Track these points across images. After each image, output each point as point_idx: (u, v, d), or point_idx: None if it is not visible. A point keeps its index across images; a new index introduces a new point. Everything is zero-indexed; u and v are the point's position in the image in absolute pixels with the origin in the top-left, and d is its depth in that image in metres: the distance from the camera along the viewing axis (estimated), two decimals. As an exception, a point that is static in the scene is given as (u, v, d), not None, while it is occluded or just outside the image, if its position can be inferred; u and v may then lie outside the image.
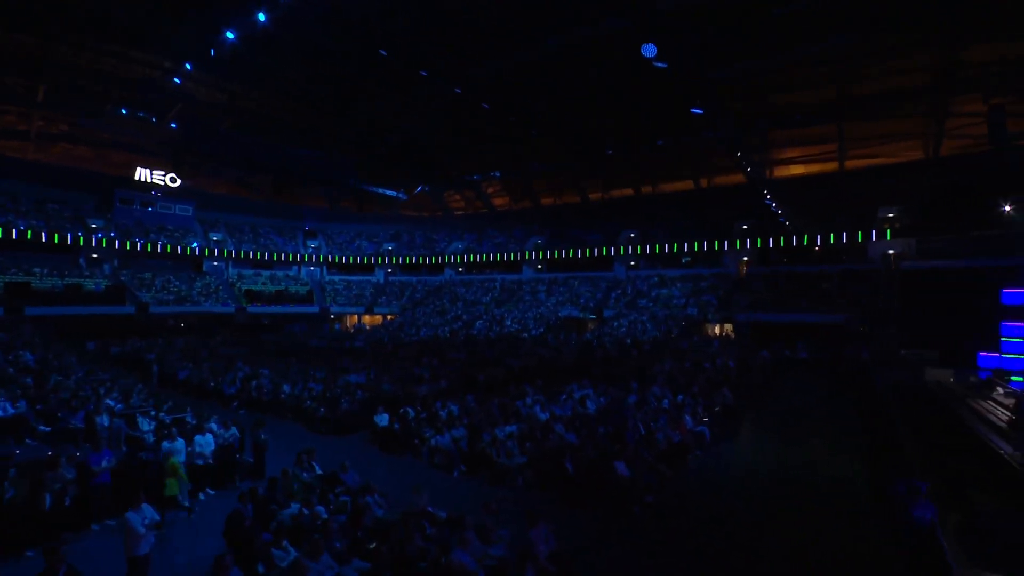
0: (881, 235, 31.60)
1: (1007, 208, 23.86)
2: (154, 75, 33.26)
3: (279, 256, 51.89)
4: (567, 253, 47.33)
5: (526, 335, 38.71)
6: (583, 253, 46.22)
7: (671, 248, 41.34)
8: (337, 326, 51.83)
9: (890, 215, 32.37)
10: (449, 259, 55.18)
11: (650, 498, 9.15)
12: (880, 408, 13.27)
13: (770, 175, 38.88)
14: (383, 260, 56.34)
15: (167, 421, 11.82)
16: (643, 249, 42.92)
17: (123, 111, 34.78)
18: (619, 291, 42.89)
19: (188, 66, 26.93)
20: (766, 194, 30.16)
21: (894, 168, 33.78)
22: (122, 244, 42.43)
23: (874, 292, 29.65)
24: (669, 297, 39.39)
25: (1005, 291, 20.18)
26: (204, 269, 48.41)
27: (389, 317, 51.64)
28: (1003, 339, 20.00)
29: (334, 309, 51.54)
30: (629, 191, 48.08)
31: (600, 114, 34.81)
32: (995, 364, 19.07)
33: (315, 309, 50.04)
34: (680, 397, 15.03)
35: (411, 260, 56.08)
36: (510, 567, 6.20)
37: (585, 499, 9.22)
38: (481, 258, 53.27)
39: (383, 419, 13.29)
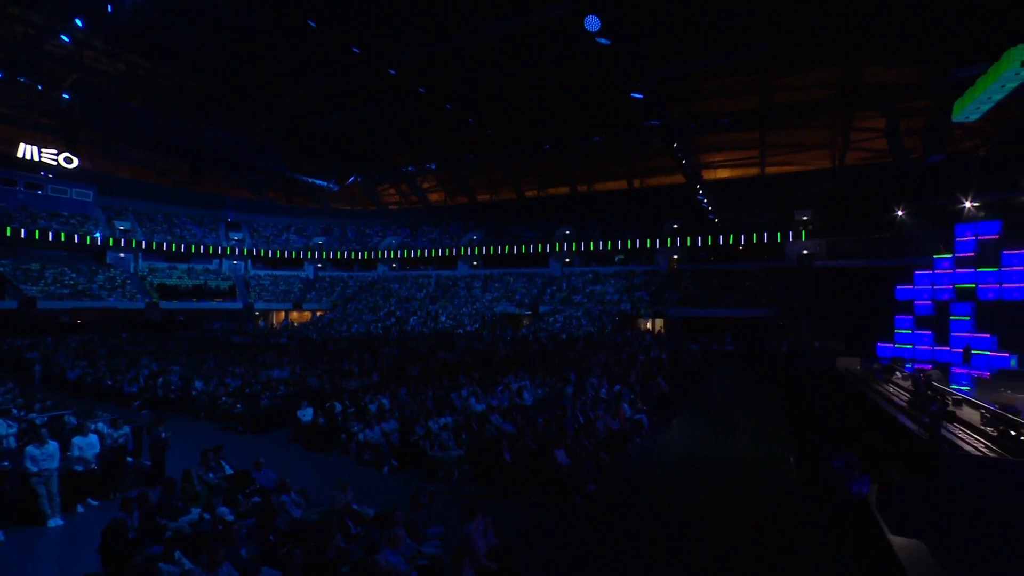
0: (797, 236, 33.64)
1: (900, 213, 25.96)
2: (38, 35, 28.72)
3: (198, 248, 47.81)
4: (503, 249, 47.07)
5: (461, 331, 38.10)
6: (519, 250, 46.13)
7: (605, 246, 42.03)
8: (263, 323, 48.65)
9: (804, 218, 34.54)
10: (382, 254, 53.35)
11: (592, 486, 8.77)
12: (802, 392, 13.76)
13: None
14: (313, 254, 53.56)
15: (38, 423, 10.05)
16: (578, 246, 43.41)
17: (-1, 75, 29.56)
18: (554, 287, 43.11)
19: (79, 23, 23.33)
20: (699, 193, 31.17)
21: (807, 175, 36.14)
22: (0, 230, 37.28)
23: (791, 289, 31.48)
24: (603, 293, 40.02)
25: (898, 288, 21.87)
26: (108, 261, 43.72)
27: (319, 313, 49.15)
28: (896, 331, 21.65)
29: (259, 305, 48.32)
30: (565, 189, 48.49)
31: (538, 107, 34.53)
32: (891, 353, 20.49)
33: (238, 305, 46.65)
34: (617, 387, 14.94)
35: (343, 255, 53.71)
36: (445, 566, 5.54)
37: (525, 490, 8.70)
38: (416, 253, 51.90)
39: (307, 414, 12.17)
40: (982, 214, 21.70)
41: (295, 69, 31.27)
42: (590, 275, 43.29)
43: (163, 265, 46.62)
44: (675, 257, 40.21)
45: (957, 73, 19.76)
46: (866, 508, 6.20)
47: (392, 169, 47.84)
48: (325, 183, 49.36)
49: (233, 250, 50.24)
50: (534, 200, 50.03)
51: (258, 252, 51.30)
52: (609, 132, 35.02)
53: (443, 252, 50.51)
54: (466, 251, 49.46)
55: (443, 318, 43.01)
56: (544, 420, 11.15)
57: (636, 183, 44.78)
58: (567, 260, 45.58)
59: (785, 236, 33.71)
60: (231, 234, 51.80)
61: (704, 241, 36.97)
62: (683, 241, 38.18)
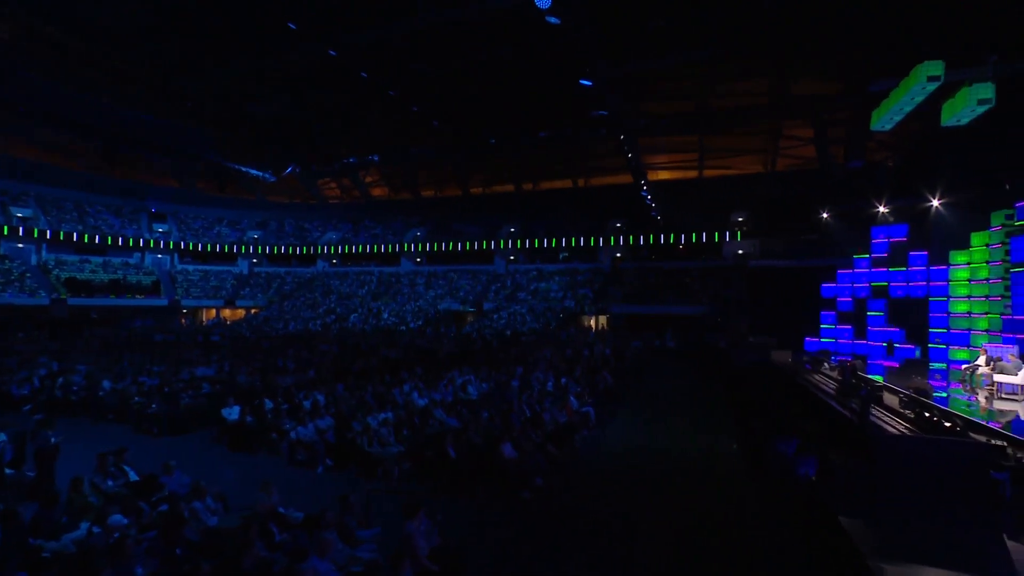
0: (733, 237, 35.14)
1: (825, 216, 27.58)
2: None
3: (115, 240, 43.75)
4: (447, 246, 46.37)
5: (404, 328, 37.15)
6: (464, 247, 45.59)
7: (550, 243, 42.28)
8: (190, 321, 45.33)
9: (740, 219, 36.09)
10: (322, 250, 51.22)
11: (539, 480, 8.43)
12: (742, 384, 14.09)
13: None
14: (247, 249, 50.56)
15: None
16: (523, 244, 43.40)
17: None
18: (499, 285, 42.86)
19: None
20: (644, 188, 31.80)
21: (742, 179, 37.78)
22: None
23: (728, 287, 32.77)
24: (548, 291, 40.17)
25: (823, 286, 23.17)
26: (3, 252, 39.23)
27: (254, 311, 46.42)
28: (822, 326, 22.93)
29: (187, 302, 45.03)
30: (510, 187, 48.31)
31: (485, 100, 33.81)
32: (817, 347, 21.62)
33: (163, 302, 43.24)
34: (564, 380, 14.76)
35: (280, 250, 51.09)
36: (383, 570, 4.99)
37: (470, 486, 8.23)
38: (357, 249, 50.25)
39: (233, 412, 11.12)
40: (892, 218, 23.29)
41: (226, 48, 29.00)
42: (535, 273, 43.34)
43: (73, 258, 42.35)
44: (618, 255, 40.95)
45: (873, 87, 21.09)
46: (813, 489, 6.21)
47: (333, 160, 45.75)
48: (260, 173, 46.53)
49: (157, 243, 46.48)
50: (479, 197, 49.54)
51: (186, 245, 47.81)
52: (556, 128, 35.03)
53: (386, 248, 49.21)
54: (410, 247, 48.38)
55: (385, 315, 41.83)
56: (490, 414, 10.73)
57: (581, 182, 45.27)
58: (512, 257, 45.43)
59: (722, 236, 35.12)
60: (155, 225, 47.91)
61: (646, 240, 37.90)
62: (626, 240, 38.97)
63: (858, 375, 12.44)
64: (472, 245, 45.44)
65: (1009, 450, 7.86)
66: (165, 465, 7.18)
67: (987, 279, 18.99)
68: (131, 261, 45.73)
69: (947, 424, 8.66)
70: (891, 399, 10.75)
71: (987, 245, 19.12)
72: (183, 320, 44.40)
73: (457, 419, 10.59)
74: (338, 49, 24.66)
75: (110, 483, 6.56)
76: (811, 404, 12.24)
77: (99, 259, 43.48)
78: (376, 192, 54.81)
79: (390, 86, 29.46)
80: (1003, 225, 18.67)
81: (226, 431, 10.98)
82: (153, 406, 12.14)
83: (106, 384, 14.09)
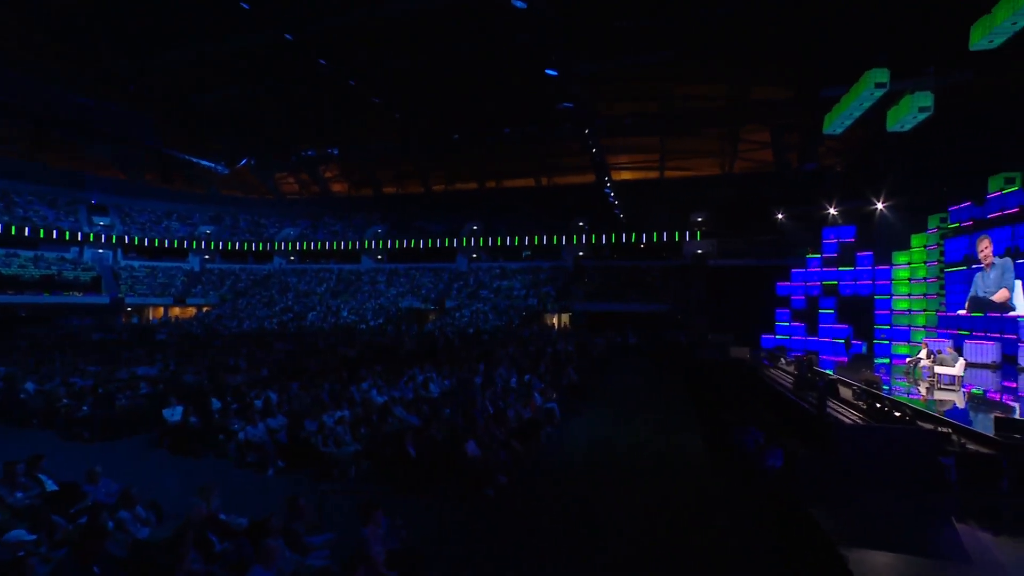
0: (693, 236, 35.97)
1: (781, 217, 28.52)
2: None
3: (49, 233, 40.66)
4: (409, 243, 45.62)
5: (364, 326, 36.28)
6: (426, 244, 44.94)
7: (513, 241, 42.17)
8: (135, 319, 42.76)
9: (699, 219, 36.95)
10: (279, 246, 49.46)
11: (503, 478, 8.14)
12: (704, 380, 14.23)
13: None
14: (199, 244, 48.20)
15: None
16: (486, 242, 43.13)
17: None
18: (461, 282, 42.47)
19: None
20: (607, 186, 32.03)
21: (701, 180, 38.67)
22: None
23: (688, 285, 33.45)
24: (510, 288, 40.04)
25: (778, 284, 23.88)
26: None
27: (205, 309, 44.28)
28: (777, 323, 23.64)
29: (132, 300, 42.49)
30: (473, 185, 47.90)
31: (448, 94, 33.16)
32: (773, 343, 22.24)
33: (104, 300, 40.64)
34: (527, 377, 14.55)
35: (234, 246, 49.03)
36: (335, 579, 4.60)
37: (432, 485, 7.86)
38: (316, 246, 48.75)
39: (175, 413, 10.33)
40: (841, 220, 24.21)
41: (171, 28, 27.06)
42: (497, 270, 43.13)
43: (-3, 252, 39.13)
44: (580, 254, 41.22)
45: (825, 92, 21.86)
46: (780, 480, 6.19)
47: (290, 153, 43.94)
48: (212, 165, 44.13)
49: (98, 237, 43.67)
50: (442, 194, 48.93)
51: (131, 240, 45.10)
52: (520, 125, 34.78)
53: (346, 245, 47.99)
54: (370, 244, 47.34)
55: (345, 313, 40.79)
56: (452, 411, 10.38)
57: (544, 181, 45.32)
58: (474, 255, 45.07)
59: (682, 236, 35.91)
60: (95, 218, 44.95)
61: (608, 239, 38.31)
62: (588, 239, 39.25)
63: (813, 369, 12.75)
64: (434, 242, 44.93)
65: (954, 437, 8.13)
66: (90, 472, 6.46)
67: (925, 278, 19.98)
68: (68, 256, 42.70)
69: (897, 414, 8.93)
70: (845, 392, 11.08)
71: (925, 246, 20.13)
72: (128, 319, 41.85)
73: (418, 417, 10.18)
74: (294, 34, 23.49)
75: (19, 495, 5.82)
76: (770, 397, 12.48)
77: (29, 253, 40.28)
78: (336, 188, 53.34)
79: (350, 75, 28.31)
80: (938, 227, 19.69)
81: (167, 433, 10.19)
82: (84, 408, 11.15)
83: (30, 386, 12.87)
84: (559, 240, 40.53)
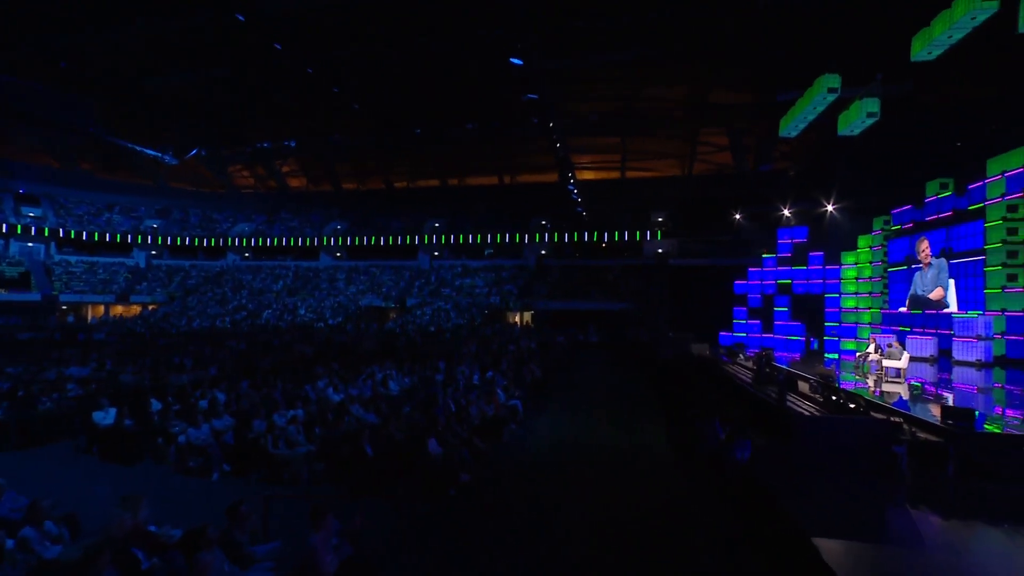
0: (653, 236, 36.57)
1: (738, 217, 29.31)
2: None
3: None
4: (370, 240, 44.51)
5: (322, 325, 35.13)
6: (387, 241, 43.97)
7: (475, 239, 41.79)
8: (71, 318, 39.94)
9: (660, 219, 37.58)
10: (233, 242, 47.29)
11: (466, 477, 7.78)
12: (668, 376, 14.27)
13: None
14: (145, 239, 45.53)
15: None
16: (448, 239, 42.58)
17: None
18: (423, 280, 41.79)
19: None
20: (571, 182, 32.03)
21: (661, 181, 39.34)
22: None
23: (649, 284, 33.94)
24: (472, 287, 39.68)
25: (736, 283, 24.47)
26: None
27: (151, 307, 41.82)
28: (735, 321, 24.21)
29: (67, 297, 39.68)
30: (435, 182, 47.21)
31: (410, 85, 32.17)
32: (731, 340, 22.75)
33: (35, 296, 37.75)
34: (490, 373, 14.22)
35: (184, 241, 46.54)
36: (280, 593, 4.15)
37: (390, 486, 7.42)
38: (272, 242, 46.88)
39: (108, 416, 9.45)
40: (793, 221, 25.04)
41: (114, 3, 24.93)
42: (459, 268, 42.65)
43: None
44: (543, 252, 41.25)
45: (781, 96, 22.51)
46: (749, 472, 6.12)
47: (244, 144, 41.89)
48: (159, 154, 41.34)
49: (27, 229, 40.51)
50: (403, 191, 48.03)
51: (66, 233, 42.09)
52: (484, 120, 34.31)
53: (304, 242, 46.40)
54: (329, 241, 45.96)
55: (302, 311, 39.44)
56: (412, 409, 9.94)
57: (507, 179, 45.10)
58: (436, 253, 44.42)
59: (643, 235, 36.45)
60: (24, 209, 41.72)
61: (570, 238, 38.49)
62: (550, 237, 39.33)
63: (772, 364, 12.97)
64: (396, 240, 44.05)
65: (905, 426, 8.35)
66: (-7, 485, 5.70)
67: (870, 277, 20.87)
68: (-9, 249, 39.52)
69: (852, 405, 9.13)
70: (802, 385, 11.31)
71: (870, 247, 21.04)
72: (63, 318, 39.04)
73: (376, 415, 9.69)
74: (247, 15, 22.12)
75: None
76: (732, 392, 12.62)
77: (-54, 246, 37.06)
78: (294, 183, 51.50)
79: (307, 63, 26.96)
80: (882, 229, 20.61)
81: (97, 439, 9.30)
82: None
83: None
84: (521, 238, 40.45)
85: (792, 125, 17.12)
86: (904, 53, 12.64)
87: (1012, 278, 15.05)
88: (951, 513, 6.20)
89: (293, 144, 40.62)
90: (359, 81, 30.43)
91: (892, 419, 8.49)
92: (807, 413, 9.36)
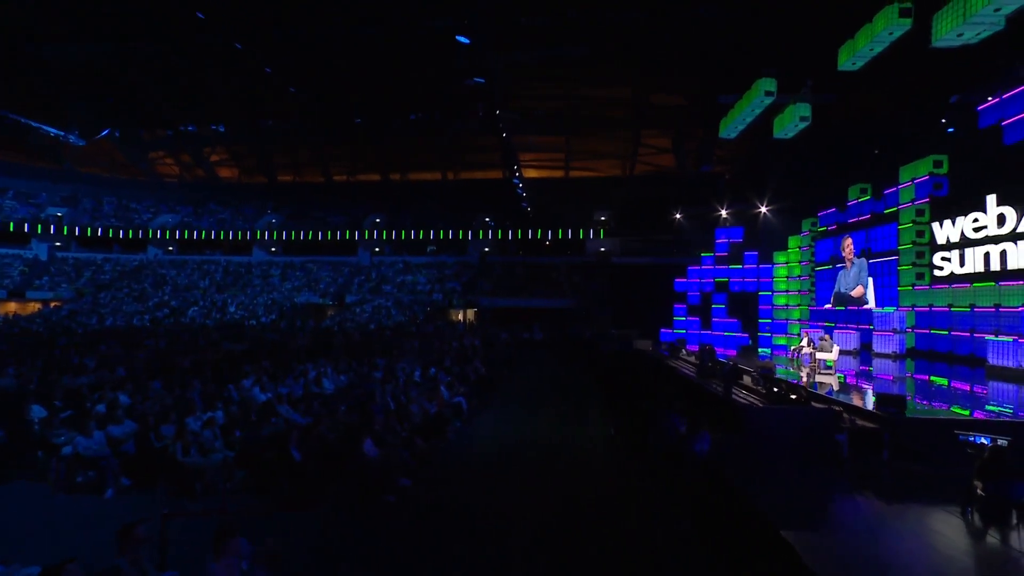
0: (596, 234, 36.94)
1: (679, 217, 30.07)
2: None
3: None
4: (307, 235, 42.37)
5: (254, 322, 32.91)
6: (325, 236, 41.97)
7: (418, 235, 40.74)
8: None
9: (602, 218, 38.04)
10: (155, 234, 43.51)
11: (406, 480, 7.07)
12: (615, 371, 14.09)
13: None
14: (47, 228, 40.91)
15: None
16: (389, 235, 41.23)
17: None
18: (363, 277, 40.24)
19: None
20: (516, 182, 31.62)
21: (604, 180, 39.82)
22: None
23: (591, 281, 34.22)
24: (415, 283, 38.66)
25: (676, 281, 24.95)
26: None
27: (53, 304, 37.62)
28: (675, 318, 24.68)
29: (-54, 292, 34.92)
30: (376, 176, 45.55)
31: (350, 71, 30.35)
32: (671, 337, 23.14)
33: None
34: (432, 370, 13.50)
35: (96, 231, 42.27)
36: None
37: (320, 494, 6.58)
38: (200, 235, 43.53)
39: (-25, 425, 7.93)
40: (730, 222, 25.88)
41: None
42: (401, 265, 41.41)
43: None
44: (486, 249, 40.75)
45: (721, 99, 23.14)
46: (711, 466, 5.86)
47: (164, 126, 37.98)
48: (61, 133, 36.57)
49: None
50: (343, 185, 46.06)
51: (-53, 221, 37.07)
52: (427, 111, 33.08)
53: (235, 235, 43.43)
54: (263, 235, 43.31)
55: (232, 309, 36.87)
56: (348, 408, 9.08)
57: (450, 175, 44.25)
58: (377, 249, 42.88)
59: (586, 234, 36.73)
60: None
61: (514, 235, 38.26)
62: (494, 234, 38.93)
63: (714, 359, 13.06)
64: (334, 235, 42.26)
65: (845, 415, 8.51)
66: None
67: (799, 276, 21.83)
68: None
69: (793, 396, 9.20)
70: (744, 377, 11.40)
71: (799, 247, 22.01)
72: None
73: (307, 415, 8.75)
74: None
75: None
76: (678, 385, 12.58)
77: None
78: (224, 173, 48.09)
79: (236, 37, 24.43)
80: (810, 230, 21.61)
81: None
82: None
83: None
84: (465, 235, 39.78)
85: (732, 126, 17.51)
86: (832, 63, 13.15)
87: (920, 276, 16.08)
88: (891, 497, 6.34)
89: (222, 129, 37.52)
90: (295, 62, 28.20)
91: (834, 408, 8.66)
92: (751, 404, 9.39)
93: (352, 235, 42.02)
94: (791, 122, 15.86)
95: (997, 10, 9.73)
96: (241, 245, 44.12)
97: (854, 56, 12.32)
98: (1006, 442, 5.54)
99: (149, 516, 4.80)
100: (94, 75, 31.54)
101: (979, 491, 5.33)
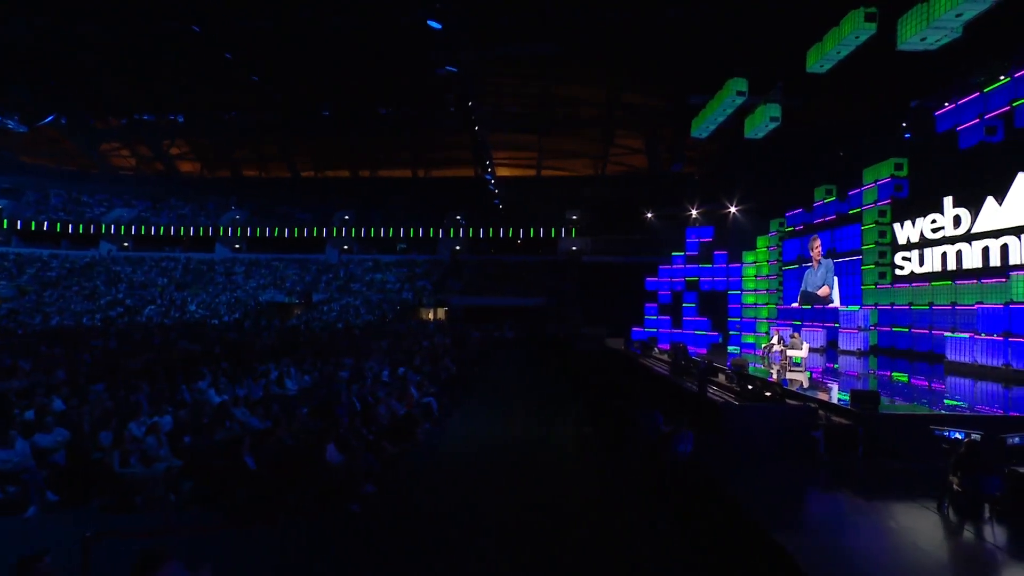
0: (568, 233, 36.88)
1: (650, 216, 30.21)
2: None
3: None
4: (273, 232, 40.97)
5: (216, 322, 31.56)
6: (291, 233, 40.69)
7: (387, 233, 39.88)
8: None
9: (574, 217, 38.01)
10: (109, 229, 41.23)
11: (371, 487, 6.56)
12: (588, 369, 13.85)
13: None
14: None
15: None
16: (358, 233, 40.25)
17: None
18: (331, 275, 39.22)
19: None
20: (489, 178, 31.12)
21: (576, 180, 39.81)
22: None
23: (563, 280, 34.16)
24: (384, 282, 37.96)
25: (647, 280, 25.02)
26: None
27: (-8, 302, 35.12)
28: (646, 317, 24.73)
29: None
30: (345, 173, 44.38)
31: (316, 59, 28.68)
32: (643, 336, 23.15)
33: None
34: (402, 370, 12.95)
35: (41, 226, 39.78)
36: None
37: (278, 506, 6.00)
38: (159, 231, 41.52)
39: None
40: (699, 221, 26.10)
41: None
42: (370, 263, 40.55)
43: None
44: (457, 248, 40.25)
45: (693, 100, 23.27)
46: (696, 467, 5.61)
47: (117, 114, 35.61)
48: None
49: None
50: (310, 181, 44.76)
51: None
52: (397, 104, 32.12)
53: (197, 231, 41.58)
54: (227, 231, 41.67)
55: (192, 307, 35.28)
56: (310, 410, 8.49)
57: (421, 173, 43.55)
58: (346, 247, 41.80)
59: (558, 233, 36.62)
60: None
61: (486, 233, 37.92)
62: (465, 233, 38.47)
63: (687, 356, 12.95)
64: (301, 232, 41.05)
65: (821, 412, 8.47)
66: None
67: (768, 275, 22.14)
68: None
69: (767, 393, 9.10)
70: (719, 375, 11.29)
71: (768, 247, 22.32)
72: None
73: (265, 418, 8.11)
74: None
75: None
76: (651, 383, 12.41)
77: None
78: (186, 167, 46.02)
79: (192, 20, 22.83)
80: (777, 231, 21.94)
81: None
82: None
83: None
84: (436, 233, 39.16)
85: (703, 126, 17.52)
86: (801, 65, 13.23)
87: (882, 275, 16.45)
88: (867, 493, 6.26)
89: (181, 119, 35.47)
90: (257, 49, 26.63)
91: (809, 405, 8.60)
92: (725, 402, 9.26)
93: (320, 232, 40.98)
94: (762, 122, 15.92)
95: (959, 15, 9.85)
96: (203, 242, 42.36)
97: (822, 59, 12.41)
98: (979, 436, 5.59)
99: (79, 536, 4.18)
100: (37, 55, 28.97)
101: (955, 486, 5.26)
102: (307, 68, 29.69)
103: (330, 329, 27.15)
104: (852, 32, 11.36)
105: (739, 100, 15.50)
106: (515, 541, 5.55)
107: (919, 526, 5.09)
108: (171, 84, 31.32)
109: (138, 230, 41.81)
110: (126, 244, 42.48)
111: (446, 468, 7.95)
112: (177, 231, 42.04)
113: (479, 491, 7.02)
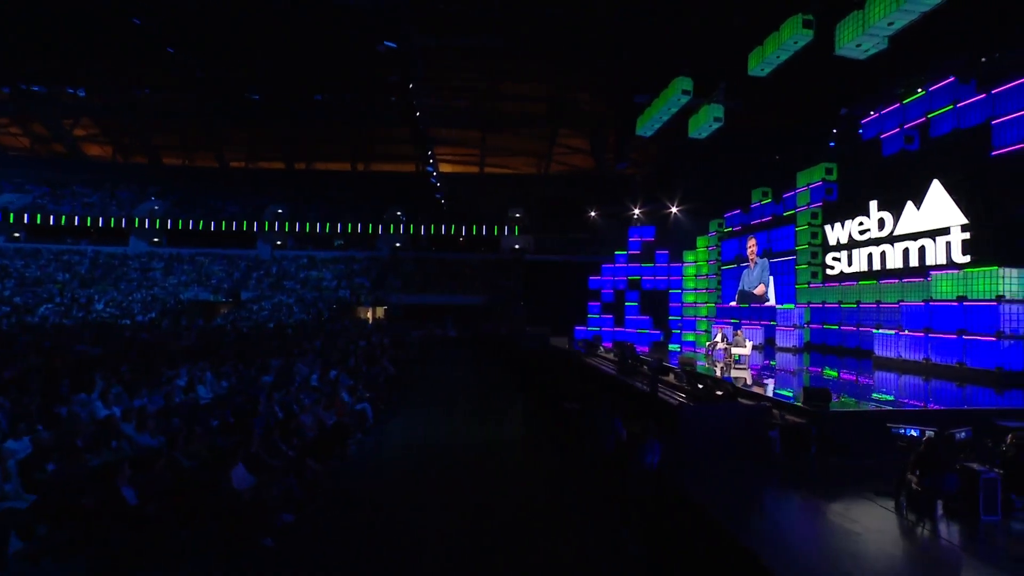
0: (511, 231, 36.31)
1: (594, 215, 30.18)
2: None
3: None
4: (197, 225, 37.62)
5: (128, 322, 28.48)
6: (219, 226, 37.56)
7: (324, 229, 37.70)
8: None
9: (517, 215, 37.48)
10: (-7, 217, 36.32)
11: (289, 516, 5.48)
12: (533, 369, 13.20)
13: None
14: None
15: None
16: (292, 227, 37.83)
17: None
18: (262, 272, 36.62)
19: None
20: (431, 169, 29.88)
21: (519, 178, 39.34)
22: None
23: (505, 278, 33.53)
24: (320, 279, 35.95)
25: (590, 279, 24.81)
26: None
27: None
28: (589, 316, 24.49)
29: None
30: (280, 164, 41.66)
31: (245, 37, 25.78)
32: (586, 335, 22.85)
33: None
34: (333, 372, 11.71)
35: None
36: None
37: (167, 548, 4.81)
38: (60, 220, 36.97)
39: None
40: (642, 220, 26.23)
41: None
42: (305, 260, 38.21)
43: None
44: (397, 244, 38.72)
45: (637, 99, 23.26)
46: (660, 479, 5.01)
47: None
48: None
49: None
50: (241, 171, 41.65)
51: None
52: (335, 91, 30.02)
53: (107, 222, 37.44)
54: (143, 223, 37.86)
55: (100, 306, 31.67)
56: (220, 422, 7.21)
57: (360, 166, 41.58)
58: (279, 242, 39.12)
59: (501, 231, 35.98)
60: None
61: (427, 230, 36.78)
62: (406, 229, 37.16)
63: (634, 355, 12.57)
64: (230, 225, 38.02)
65: (775, 411, 8.26)
66: None
67: (707, 275, 22.48)
68: None
69: (719, 392, 8.78)
70: (668, 374, 10.94)
71: (707, 247, 22.68)
72: None
73: (162, 434, 6.76)
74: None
75: None
76: (598, 383, 11.91)
77: None
78: (93, 150, 41.45)
79: None
80: (716, 231, 22.34)
81: None
82: None
83: None
84: (375, 229, 37.44)
85: (648, 124, 17.35)
86: (743, 68, 13.25)
87: (814, 275, 16.97)
88: (822, 492, 6.08)
89: (82, 94, 31.02)
90: (177, 17, 23.02)
91: (763, 404, 8.35)
92: (680, 403, 8.89)
93: (250, 226, 38.06)
94: (706, 122, 15.93)
95: (891, 23, 10.05)
96: (115, 233, 38.16)
97: (763, 62, 12.47)
98: (932, 433, 5.52)
99: None
100: None
101: (914, 484, 5.04)
102: (235, 45, 26.65)
103: (259, 329, 25.03)
104: (791, 37, 11.44)
105: (684, 99, 15.43)
106: (459, 567, 4.74)
107: (882, 526, 4.95)
108: (66, 48, 26.39)
109: (32, 219, 37.06)
110: (17, 235, 37.54)
111: (381, 483, 6.99)
112: (82, 221, 37.63)
113: (420, 510, 6.14)
